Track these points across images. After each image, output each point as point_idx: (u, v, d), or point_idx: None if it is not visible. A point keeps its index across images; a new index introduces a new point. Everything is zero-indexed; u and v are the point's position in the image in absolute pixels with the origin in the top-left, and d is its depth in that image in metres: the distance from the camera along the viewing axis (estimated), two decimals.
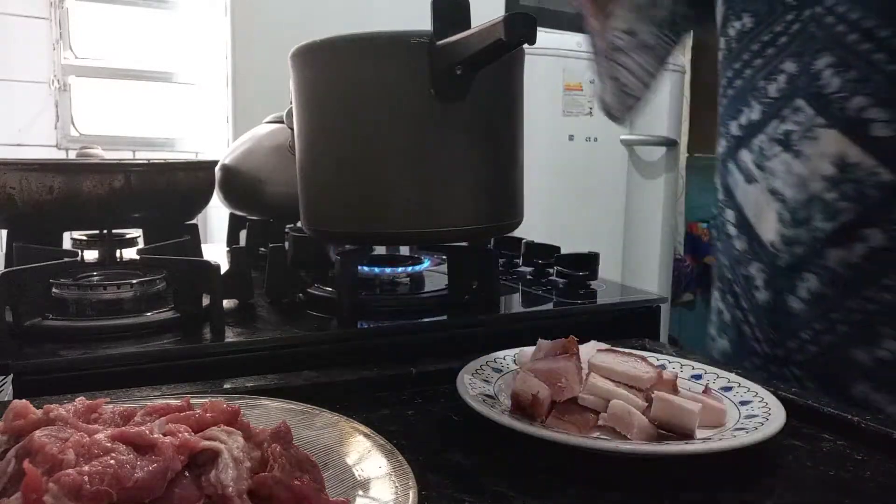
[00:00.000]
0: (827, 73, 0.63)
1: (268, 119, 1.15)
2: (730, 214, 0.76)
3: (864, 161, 0.61)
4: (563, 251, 0.99)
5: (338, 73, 0.63)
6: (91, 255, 0.87)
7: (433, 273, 0.91)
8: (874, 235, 0.61)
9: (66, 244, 0.89)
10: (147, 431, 0.35)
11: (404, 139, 0.62)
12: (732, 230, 0.75)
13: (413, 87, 0.61)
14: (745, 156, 0.72)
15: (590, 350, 0.57)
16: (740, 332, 0.75)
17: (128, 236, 0.90)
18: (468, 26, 0.59)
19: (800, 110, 0.65)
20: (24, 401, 0.37)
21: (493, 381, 0.57)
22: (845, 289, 0.63)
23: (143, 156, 2.34)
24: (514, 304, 0.86)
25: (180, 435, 0.35)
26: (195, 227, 0.96)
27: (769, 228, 0.69)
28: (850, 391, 0.64)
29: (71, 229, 0.90)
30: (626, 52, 0.83)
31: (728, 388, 0.57)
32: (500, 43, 0.54)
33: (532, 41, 0.54)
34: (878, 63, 0.60)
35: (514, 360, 0.62)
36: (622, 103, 0.88)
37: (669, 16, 0.84)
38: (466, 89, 0.61)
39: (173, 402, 0.40)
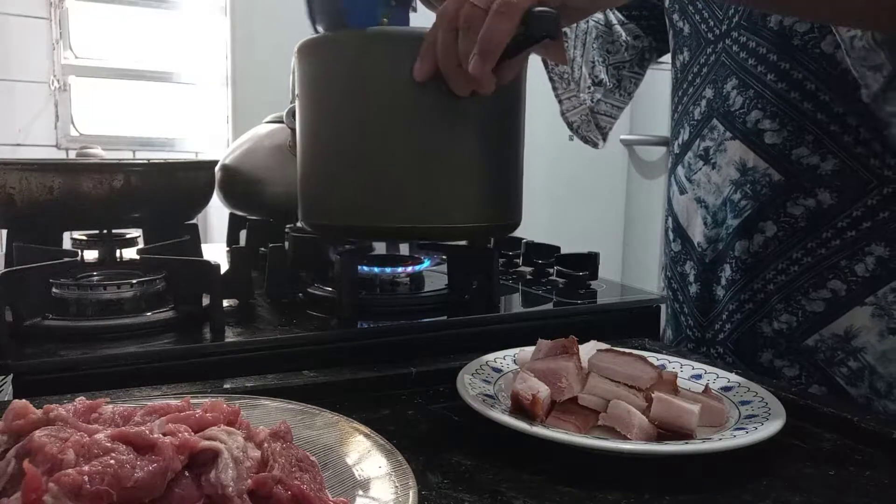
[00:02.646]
0: (733, 94, 0.73)
1: (268, 119, 1.15)
2: (669, 222, 0.86)
3: (759, 164, 0.71)
4: (563, 251, 0.99)
5: (347, 65, 0.63)
6: (91, 255, 0.87)
7: (433, 273, 0.91)
8: (769, 227, 0.71)
9: (66, 244, 0.88)
10: (147, 431, 0.35)
11: (410, 133, 0.62)
12: (671, 235, 0.85)
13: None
14: (680, 171, 0.82)
15: (590, 350, 0.57)
16: (678, 323, 0.84)
17: (128, 236, 0.90)
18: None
19: (714, 128, 0.76)
20: (24, 401, 0.37)
21: (493, 381, 0.57)
22: (750, 273, 0.73)
23: (143, 156, 2.34)
24: (514, 304, 0.86)
25: (180, 435, 0.35)
26: (195, 227, 0.96)
27: (697, 231, 0.80)
28: (758, 359, 0.74)
29: (71, 229, 0.90)
30: (601, 100, 0.90)
31: (728, 388, 0.57)
32: (521, 38, 0.54)
33: (555, 36, 0.54)
34: (769, 83, 0.70)
35: (514, 360, 0.62)
36: (597, 134, 0.95)
37: (638, 54, 0.91)
38: None
39: (173, 402, 0.40)
